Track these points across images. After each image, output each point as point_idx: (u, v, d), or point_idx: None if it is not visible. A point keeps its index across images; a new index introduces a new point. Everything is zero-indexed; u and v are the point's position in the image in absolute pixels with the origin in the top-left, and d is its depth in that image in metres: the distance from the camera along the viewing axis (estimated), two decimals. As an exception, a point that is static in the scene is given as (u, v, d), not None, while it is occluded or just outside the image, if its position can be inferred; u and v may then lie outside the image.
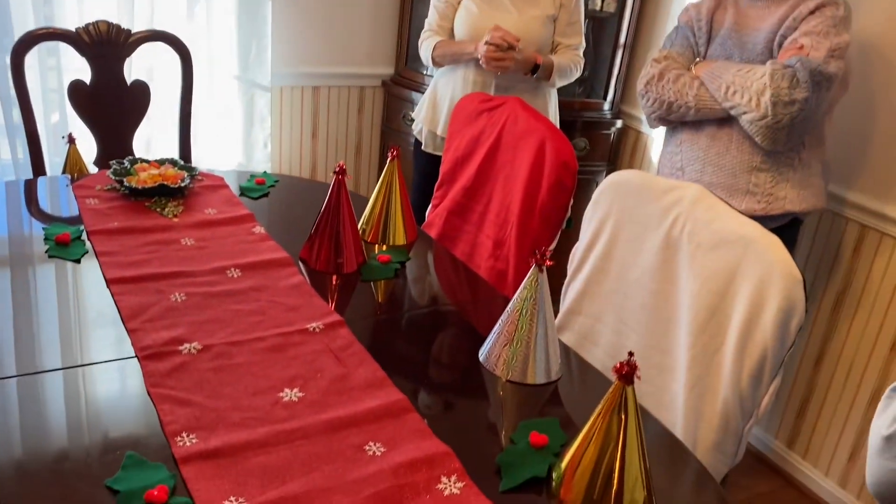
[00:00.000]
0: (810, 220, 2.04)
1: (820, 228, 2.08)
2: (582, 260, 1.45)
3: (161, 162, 1.79)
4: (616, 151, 2.76)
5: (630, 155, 2.76)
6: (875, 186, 1.94)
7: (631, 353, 0.91)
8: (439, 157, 2.02)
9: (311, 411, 1.07)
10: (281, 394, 1.10)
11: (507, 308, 1.22)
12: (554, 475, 0.98)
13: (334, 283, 1.47)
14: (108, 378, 1.12)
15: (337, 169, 1.47)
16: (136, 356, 1.15)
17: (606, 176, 2.74)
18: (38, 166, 2.01)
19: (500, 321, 1.23)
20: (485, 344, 1.26)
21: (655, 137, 2.61)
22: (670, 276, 1.28)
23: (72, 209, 1.63)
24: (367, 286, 1.47)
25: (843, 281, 2.04)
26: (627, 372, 0.90)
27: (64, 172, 1.89)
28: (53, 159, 2.29)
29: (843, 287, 2.05)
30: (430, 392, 1.18)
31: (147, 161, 1.78)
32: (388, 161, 1.63)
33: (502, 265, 1.68)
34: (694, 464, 1.10)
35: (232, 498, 0.90)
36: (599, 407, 0.94)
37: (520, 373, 1.21)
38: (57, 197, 1.72)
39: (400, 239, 1.65)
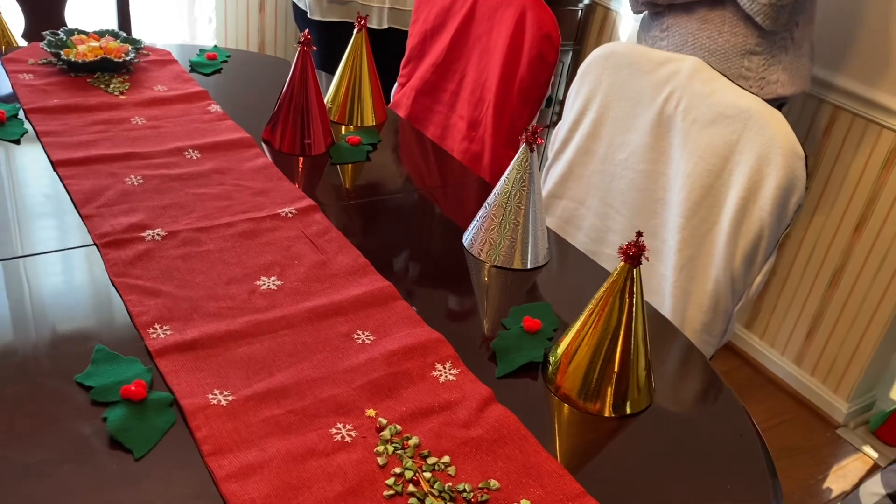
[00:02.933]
0: (793, 103, 2.00)
1: (804, 112, 2.05)
2: (565, 141, 1.39)
3: (101, 34, 1.62)
4: (583, 31, 2.65)
5: (597, 34, 2.65)
6: (860, 70, 1.90)
7: (639, 234, 0.86)
8: (337, 24, 1.84)
9: (293, 300, 1.00)
10: (258, 282, 1.03)
11: (494, 190, 1.16)
12: (551, 360, 0.95)
13: (302, 165, 1.37)
14: (67, 268, 1.02)
15: (302, 39, 1.34)
16: (95, 244, 1.05)
17: (573, 56, 2.64)
18: (-43, 39, 1.80)
19: (485, 204, 1.17)
20: (469, 228, 1.20)
21: (624, 15, 2.50)
22: (662, 155, 1.23)
23: (2, 86, 1.47)
24: (336, 169, 1.38)
25: (814, 164, 2.03)
26: (635, 252, 0.86)
27: (-11, 45, 1.70)
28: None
29: (812, 170, 2.04)
30: (415, 279, 1.13)
31: (85, 32, 1.61)
32: (353, 32, 1.50)
33: (477, 147, 1.60)
34: (684, 343, 1.08)
35: (216, 391, 0.84)
36: (602, 289, 0.90)
37: (506, 258, 1.16)
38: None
39: (369, 119, 1.55)
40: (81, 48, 1.54)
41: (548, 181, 1.43)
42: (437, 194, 1.40)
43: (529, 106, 1.51)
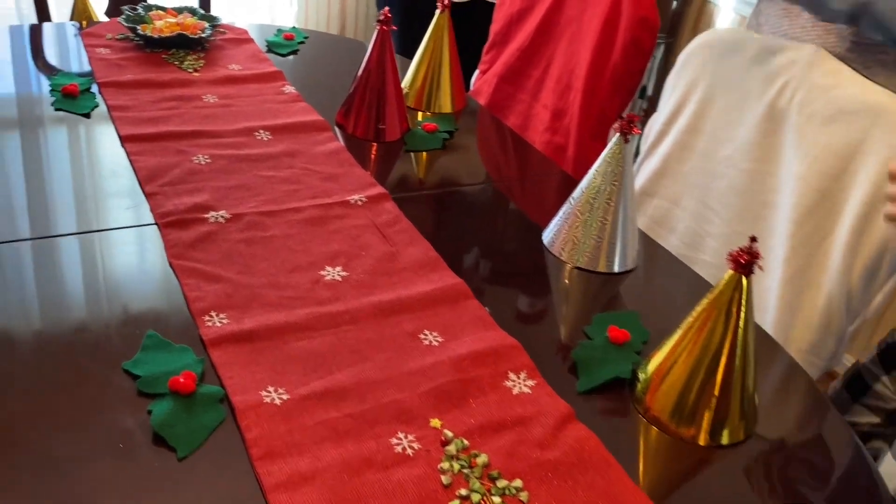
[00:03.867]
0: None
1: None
2: (660, 134, 1.27)
3: (179, 10, 1.59)
4: (677, 23, 2.50)
5: (692, 28, 2.50)
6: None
7: (753, 239, 0.75)
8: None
9: (358, 293, 0.93)
10: (322, 272, 0.96)
11: (581, 184, 1.06)
12: (640, 377, 0.84)
13: (375, 151, 1.30)
14: (126, 247, 0.98)
15: (381, 17, 1.27)
16: (156, 223, 1.01)
17: (665, 50, 2.50)
18: (42, 13, 1.80)
19: (570, 199, 1.07)
20: (550, 225, 1.10)
21: (723, 7, 2.34)
22: (771, 154, 1.11)
23: (80, 61, 1.45)
24: (410, 157, 1.31)
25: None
26: (748, 260, 0.75)
27: (71, 20, 1.70)
28: (61, 10, 2.08)
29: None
30: (488, 277, 1.04)
31: (163, 8, 1.58)
32: (436, 13, 1.42)
33: (561, 139, 1.50)
34: (788, 363, 0.96)
35: (270, 388, 0.77)
36: (705, 301, 0.79)
37: (591, 259, 1.05)
38: (65, 46, 1.54)
39: (447, 106, 1.46)
40: (158, 24, 1.51)
41: (639, 177, 1.32)
42: (515, 187, 1.31)
43: (621, 95, 1.40)
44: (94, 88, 1.33)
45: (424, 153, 1.32)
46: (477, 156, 1.38)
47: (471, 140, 1.42)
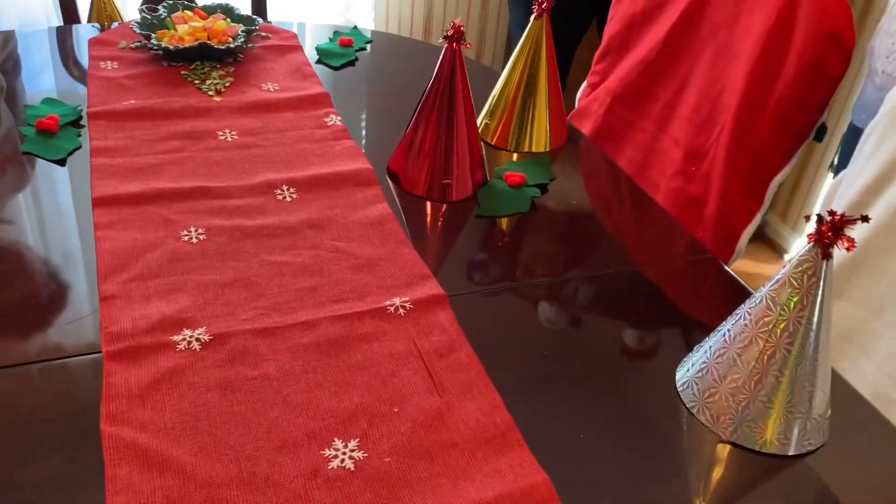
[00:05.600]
0: None
1: None
2: (857, 206, 0.86)
3: (210, 10, 1.27)
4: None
5: (858, 23, 1.98)
6: None
7: None
8: None
9: (378, 498, 0.59)
10: (328, 451, 0.62)
11: (744, 309, 0.67)
12: None
13: (436, 217, 0.95)
14: (52, 391, 0.67)
15: (450, 32, 0.90)
16: (101, 351, 0.69)
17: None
18: (68, 10, 1.53)
19: (723, 333, 0.69)
20: (686, 362, 0.73)
21: None
22: None
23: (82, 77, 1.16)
24: (486, 225, 0.95)
25: None
26: None
27: (90, 21, 1.41)
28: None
29: None
30: (585, 460, 0.67)
31: (191, 8, 1.26)
32: (532, 18, 1.04)
33: (698, 189, 1.10)
34: None
35: None
36: None
37: (752, 432, 0.67)
38: (78, 55, 1.25)
39: (541, 144, 1.09)
40: (181, 29, 1.20)
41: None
42: (633, 279, 0.92)
43: (789, 137, 0.99)
44: (84, 118, 1.03)
45: (505, 220, 0.95)
46: (578, 227, 1.00)
47: (573, 194, 1.04)
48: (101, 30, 1.30)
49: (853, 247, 0.59)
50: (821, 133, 0.99)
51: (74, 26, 1.35)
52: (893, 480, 0.68)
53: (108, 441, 0.61)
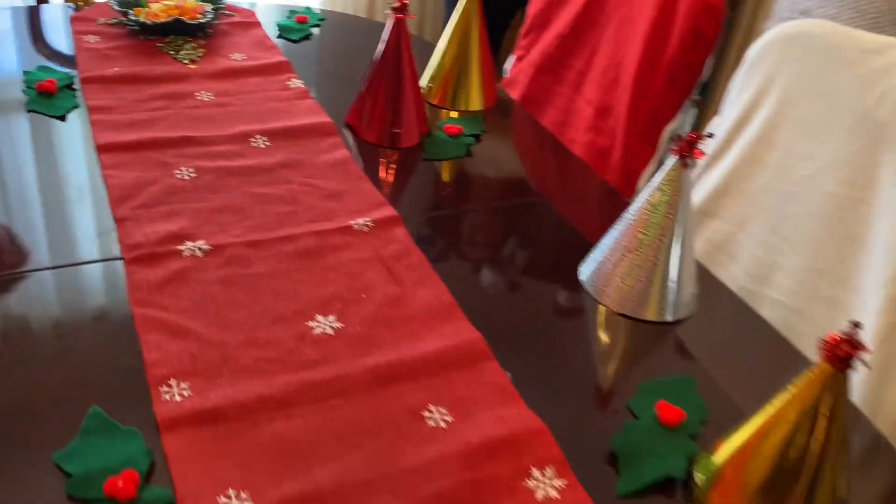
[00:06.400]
0: None
1: None
2: (724, 144, 1.07)
3: (179, -10, 1.42)
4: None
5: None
6: None
7: (856, 325, 0.56)
8: None
9: (352, 352, 0.77)
10: (312, 323, 0.80)
11: (628, 212, 0.87)
12: (698, 474, 0.67)
13: (387, 161, 1.13)
14: (86, 287, 0.83)
15: (396, 4, 1.09)
16: (122, 257, 0.86)
17: (725, 28, 2.25)
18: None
19: (614, 230, 0.89)
20: (589, 259, 0.93)
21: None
22: (865, 177, 0.91)
23: (71, 51, 1.30)
24: (429, 167, 1.13)
25: None
26: (847, 354, 0.56)
27: (66, 1, 1.54)
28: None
29: None
30: (514, 328, 0.86)
31: (163, -13, 1.41)
32: (464, -3, 1.23)
33: (606, 140, 1.31)
34: (875, 439, 0.78)
35: (230, 492, 0.62)
36: (785, 395, 0.61)
37: (637, 305, 0.88)
38: (58, 33, 1.38)
39: (475, 103, 1.28)
40: (155, 7, 1.35)
41: (698, 192, 1.13)
42: (550, 207, 1.12)
43: (678, 93, 1.20)
44: (76, 83, 1.18)
45: (446, 162, 1.14)
46: (506, 167, 1.20)
47: (500, 146, 1.23)
48: (76, 9, 1.44)
49: (701, 155, 0.80)
50: (704, 88, 1.20)
51: (45, 6, 1.49)
52: (746, 345, 0.90)
53: (139, 318, 0.78)
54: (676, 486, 0.69)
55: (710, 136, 0.80)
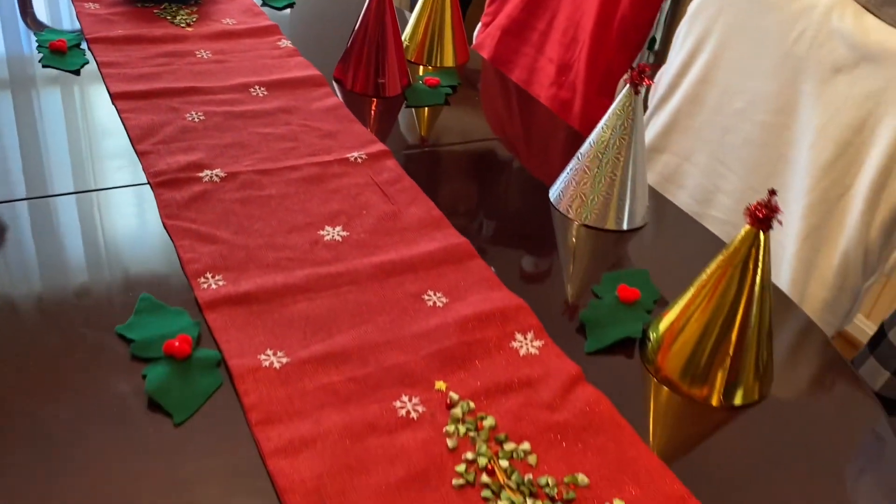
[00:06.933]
0: None
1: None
2: (671, 88, 1.23)
3: (170, -37, 1.52)
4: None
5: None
6: None
7: (772, 192, 0.71)
8: None
9: (359, 253, 0.90)
10: (322, 232, 0.93)
11: (589, 138, 1.02)
12: (651, 336, 0.82)
13: (374, 107, 1.26)
14: (119, 207, 0.94)
15: (380, -33, 1.21)
16: (149, 182, 0.97)
17: None
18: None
19: (577, 154, 1.03)
20: (557, 182, 1.07)
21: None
22: (789, 105, 1.06)
23: (71, 17, 1.40)
24: (412, 113, 1.26)
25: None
26: (766, 215, 0.71)
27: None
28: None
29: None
30: (494, 237, 1.01)
31: (154, -40, 1.51)
32: (437, -37, 1.37)
33: (567, 94, 1.45)
34: (803, 321, 0.93)
35: (268, 352, 0.75)
36: (720, 257, 0.76)
37: (599, 216, 1.02)
38: (54, 2, 1.48)
39: (449, 60, 1.42)
40: (149, -23, 1.45)
41: (649, 133, 1.28)
42: (521, 144, 1.27)
43: (629, 49, 1.35)
44: (84, 45, 1.28)
45: (426, 109, 1.28)
46: (481, 111, 1.34)
47: (474, 95, 1.37)
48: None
49: (650, 83, 0.94)
50: (652, 43, 1.36)
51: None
52: (693, 249, 1.05)
53: (171, 228, 0.90)
54: (634, 346, 0.83)
55: (658, 66, 0.95)
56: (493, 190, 1.12)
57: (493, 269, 0.91)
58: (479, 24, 1.70)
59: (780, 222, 0.70)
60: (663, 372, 0.79)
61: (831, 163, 1.01)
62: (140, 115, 1.11)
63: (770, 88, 1.09)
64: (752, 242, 0.73)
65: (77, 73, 1.20)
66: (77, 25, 1.35)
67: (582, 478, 0.66)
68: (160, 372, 0.70)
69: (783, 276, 1.07)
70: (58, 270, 0.83)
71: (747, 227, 0.73)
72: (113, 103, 1.13)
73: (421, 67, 1.40)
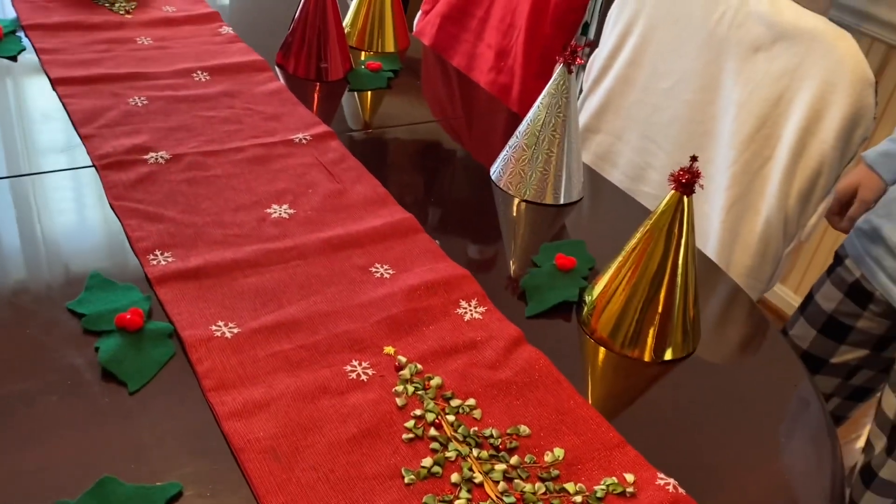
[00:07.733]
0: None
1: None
2: (603, 70, 1.28)
3: (106, -50, 1.51)
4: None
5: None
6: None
7: (694, 158, 0.76)
8: None
9: (306, 229, 0.92)
10: (269, 210, 0.95)
11: (527, 117, 1.06)
12: (586, 300, 0.86)
13: (318, 91, 1.28)
14: (63, 191, 0.95)
15: (320, -47, 1.23)
16: (94, 165, 0.98)
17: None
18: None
19: (516, 133, 1.08)
20: (497, 160, 1.11)
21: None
22: (712, 83, 1.12)
23: (3, 5, 1.38)
24: (355, 96, 1.29)
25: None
26: (689, 180, 0.76)
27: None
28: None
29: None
30: (438, 214, 1.04)
31: (89, -52, 1.50)
32: (376, -49, 1.39)
33: (506, 78, 1.50)
34: (729, 285, 1.00)
35: (220, 323, 0.77)
36: (648, 222, 0.81)
37: (537, 192, 1.07)
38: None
39: (390, 45, 1.44)
40: (85, -36, 1.44)
41: (583, 114, 1.33)
42: (461, 125, 1.30)
43: (564, 33, 1.40)
44: (21, 33, 1.27)
45: (369, 92, 1.30)
46: (422, 95, 1.37)
47: (416, 79, 1.40)
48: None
49: (582, 61, 0.99)
50: (585, 28, 1.41)
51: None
52: (626, 223, 1.10)
53: (119, 209, 0.90)
54: (571, 311, 0.88)
55: (591, 45, 1.00)
56: (436, 170, 1.15)
57: (437, 242, 0.94)
58: (420, 12, 1.73)
59: (702, 186, 0.76)
60: (598, 333, 0.84)
61: (751, 136, 1.07)
62: (82, 100, 1.10)
63: (695, 68, 1.15)
64: (676, 206, 0.78)
65: (14, 59, 1.19)
66: (13, 14, 1.33)
67: (524, 428, 0.71)
68: (113, 343, 0.72)
69: (710, 245, 1.13)
70: (8, 250, 0.83)
71: (672, 191, 0.78)
72: (54, 89, 1.12)
73: (363, 53, 1.43)
